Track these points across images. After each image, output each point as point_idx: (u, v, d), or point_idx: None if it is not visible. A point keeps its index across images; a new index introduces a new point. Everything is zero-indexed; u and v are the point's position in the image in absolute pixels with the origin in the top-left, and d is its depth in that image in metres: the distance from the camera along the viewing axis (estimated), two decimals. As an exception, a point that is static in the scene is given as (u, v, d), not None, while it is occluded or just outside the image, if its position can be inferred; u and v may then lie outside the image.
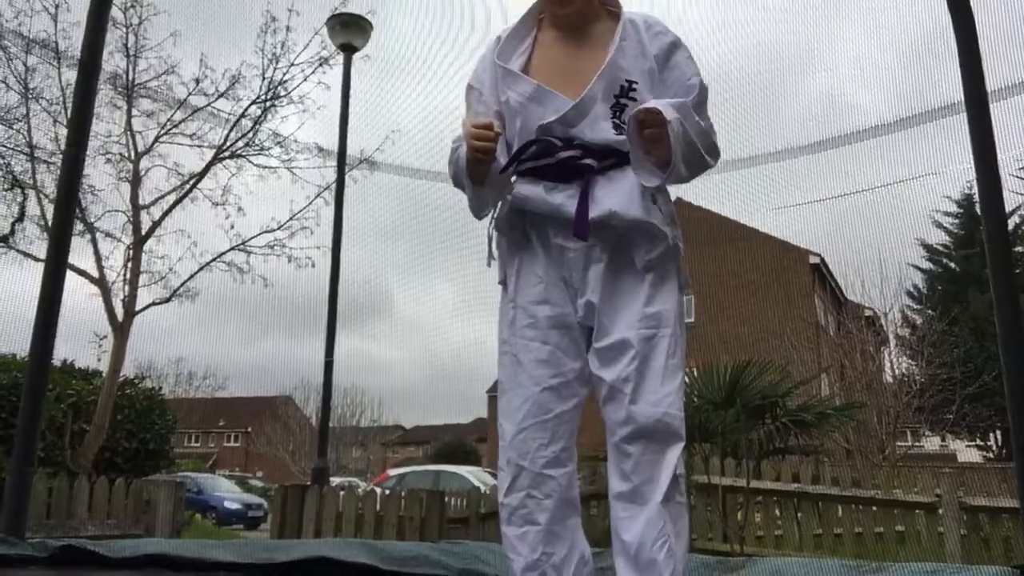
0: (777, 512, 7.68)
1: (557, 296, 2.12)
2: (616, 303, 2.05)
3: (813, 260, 27.25)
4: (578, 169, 2.07)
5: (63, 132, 11.10)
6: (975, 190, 3.53)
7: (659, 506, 1.94)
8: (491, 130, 2.03)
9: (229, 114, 11.85)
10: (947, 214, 28.97)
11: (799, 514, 7.51)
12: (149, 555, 2.23)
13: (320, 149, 11.86)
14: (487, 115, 2.16)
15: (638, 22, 2.17)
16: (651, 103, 1.99)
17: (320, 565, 2.38)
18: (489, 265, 2.23)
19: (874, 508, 7.29)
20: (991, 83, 3.35)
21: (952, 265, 29.41)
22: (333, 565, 2.39)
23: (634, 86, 2.09)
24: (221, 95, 11.75)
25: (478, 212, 2.20)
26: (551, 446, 2.09)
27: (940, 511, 6.94)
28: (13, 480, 2.57)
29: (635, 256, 2.06)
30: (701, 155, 2.08)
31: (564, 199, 2.06)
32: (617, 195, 2.04)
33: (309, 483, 8.33)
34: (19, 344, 10.27)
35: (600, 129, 2.08)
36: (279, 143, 12.02)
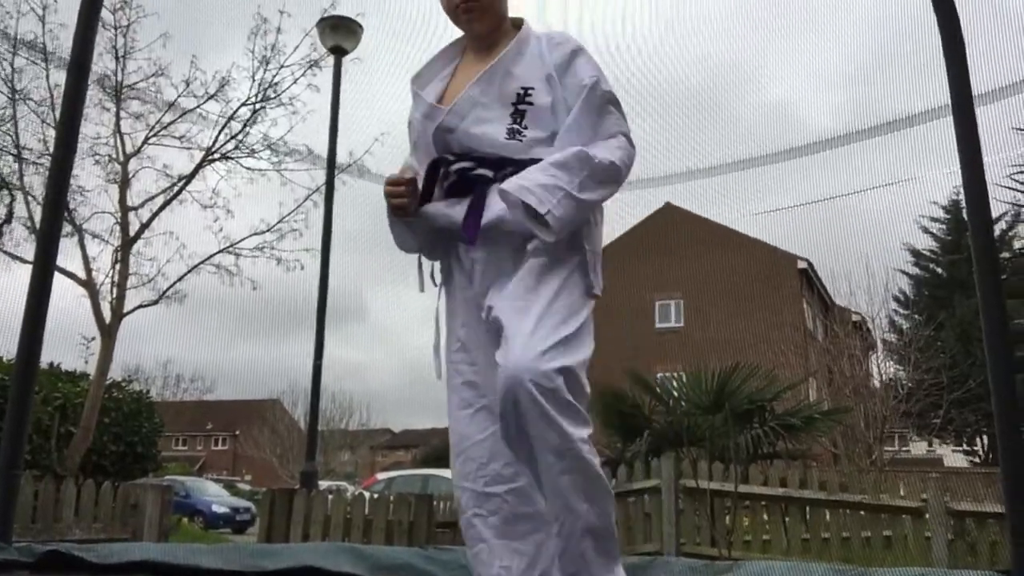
0: (765, 516, 7.71)
1: (476, 315, 2.13)
2: (505, 297, 2.04)
3: (801, 265, 27.37)
4: (475, 180, 2.11)
5: (51, 134, 11.04)
6: (962, 195, 3.55)
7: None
8: (400, 185, 2.14)
9: (219, 116, 11.84)
10: (934, 219, 29.18)
11: (786, 518, 7.53)
12: (135, 562, 2.22)
13: (309, 151, 11.85)
14: (420, 148, 2.25)
15: (541, 35, 2.22)
16: (508, 183, 2.00)
17: (307, 573, 2.37)
18: (422, 290, 2.26)
19: (861, 512, 7.32)
20: (978, 87, 3.38)
21: (939, 270, 29.59)
22: (320, 574, 2.38)
23: (530, 92, 2.11)
24: (211, 97, 11.73)
25: (400, 246, 2.28)
26: (491, 464, 2.09)
27: (927, 516, 6.97)
28: (0, 483, 2.55)
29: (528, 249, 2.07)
30: (592, 198, 2.07)
31: (462, 211, 2.11)
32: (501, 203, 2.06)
33: (297, 487, 8.31)
34: (4, 346, 10.21)
35: (489, 137, 2.11)
36: (269, 146, 12.01)
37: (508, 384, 1.87)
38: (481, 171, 2.11)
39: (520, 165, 2.05)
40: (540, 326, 1.92)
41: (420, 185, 2.18)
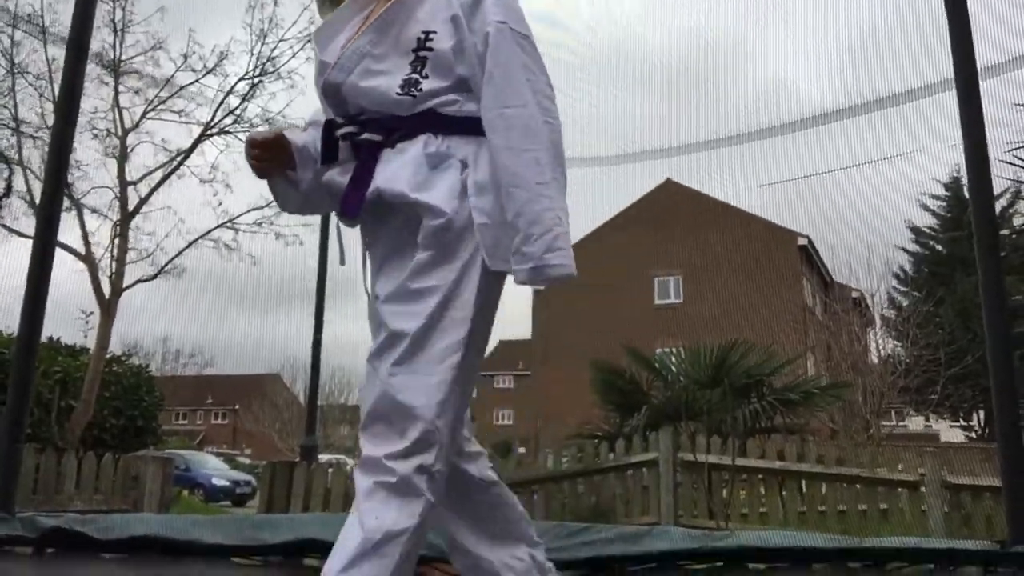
0: (762, 490, 7.76)
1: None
2: (389, 280, 1.86)
3: (801, 242, 27.34)
4: (362, 147, 1.90)
5: (49, 108, 11.00)
6: (963, 172, 3.54)
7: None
8: (256, 147, 2.00)
9: (217, 90, 11.78)
10: (935, 196, 29.09)
11: (784, 492, 7.59)
12: (137, 536, 2.23)
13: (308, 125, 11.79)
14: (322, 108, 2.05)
15: None
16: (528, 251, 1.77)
17: (308, 545, 2.39)
18: (342, 263, 2.08)
19: (858, 486, 7.37)
20: (979, 62, 3.35)
21: (939, 247, 29.57)
22: (322, 548, 2.40)
23: (431, 36, 1.88)
24: (209, 71, 11.69)
25: (282, 207, 2.19)
26: None
27: (923, 489, 7.03)
28: (3, 455, 2.57)
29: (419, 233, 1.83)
30: (542, 182, 1.80)
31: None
32: (390, 169, 1.85)
33: (297, 460, 8.36)
34: (3, 320, 10.22)
35: (378, 93, 1.89)
36: (267, 120, 11.96)
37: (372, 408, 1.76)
38: (368, 135, 1.89)
39: (410, 125, 1.85)
40: (415, 349, 1.73)
41: (315, 147, 1.98)
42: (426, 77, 1.87)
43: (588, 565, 2.53)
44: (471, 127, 1.85)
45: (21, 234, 10.89)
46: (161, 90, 11.68)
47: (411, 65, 1.87)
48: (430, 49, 1.87)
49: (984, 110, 3.36)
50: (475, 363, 1.83)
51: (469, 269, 1.80)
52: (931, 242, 29.99)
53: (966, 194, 3.67)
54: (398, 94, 1.86)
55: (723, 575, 2.38)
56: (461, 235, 1.79)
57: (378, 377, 1.74)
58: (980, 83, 3.39)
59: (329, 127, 1.96)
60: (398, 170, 1.82)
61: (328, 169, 1.97)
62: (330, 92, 1.97)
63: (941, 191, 28.75)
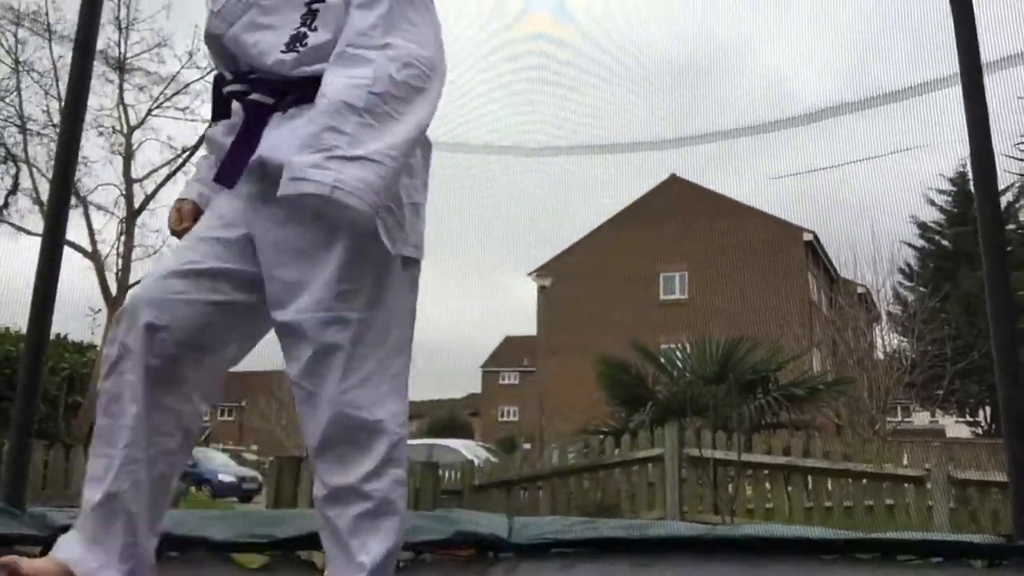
0: (767, 485, 7.77)
1: (237, 233, 1.74)
2: (288, 270, 1.64)
3: (807, 237, 27.29)
4: (251, 107, 1.69)
5: (54, 105, 11.04)
6: (968, 167, 3.54)
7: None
8: (176, 231, 1.88)
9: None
10: (940, 192, 29.04)
11: (789, 487, 7.59)
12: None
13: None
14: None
15: None
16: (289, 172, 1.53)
17: (317, 539, 2.40)
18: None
19: (864, 481, 7.37)
20: (984, 56, 3.35)
21: (944, 242, 29.51)
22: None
23: None
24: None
25: None
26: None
27: (929, 485, 7.02)
28: (13, 449, 2.59)
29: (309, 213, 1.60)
30: (391, 142, 1.57)
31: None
32: (277, 136, 1.64)
33: (304, 455, 8.38)
34: (11, 317, 10.27)
35: (261, 49, 1.68)
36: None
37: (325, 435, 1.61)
38: (258, 96, 1.68)
39: (303, 89, 1.63)
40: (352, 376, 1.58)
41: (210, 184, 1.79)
42: (315, 30, 1.66)
43: (594, 544, 2.55)
44: None
45: (28, 232, 10.94)
46: (166, 87, 11.73)
47: (301, 18, 1.67)
48: (322, 0, 1.66)
49: (989, 104, 3.36)
50: (410, 354, 1.71)
51: (384, 262, 1.63)
52: (937, 237, 29.94)
53: (972, 189, 3.67)
54: (282, 51, 1.66)
55: (732, 564, 2.39)
56: (376, 220, 1.58)
57: (320, 399, 1.59)
58: (985, 77, 3.38)
59: (217, 84, 1.78)
60: (285, 138, 1.60)
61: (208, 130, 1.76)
62: (211, 44, 1.77)
63: (947, 186, 28.72)
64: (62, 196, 3.32)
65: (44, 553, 2.35)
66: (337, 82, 1.56)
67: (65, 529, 2.29)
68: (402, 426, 1.65)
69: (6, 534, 2.20)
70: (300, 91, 1.64)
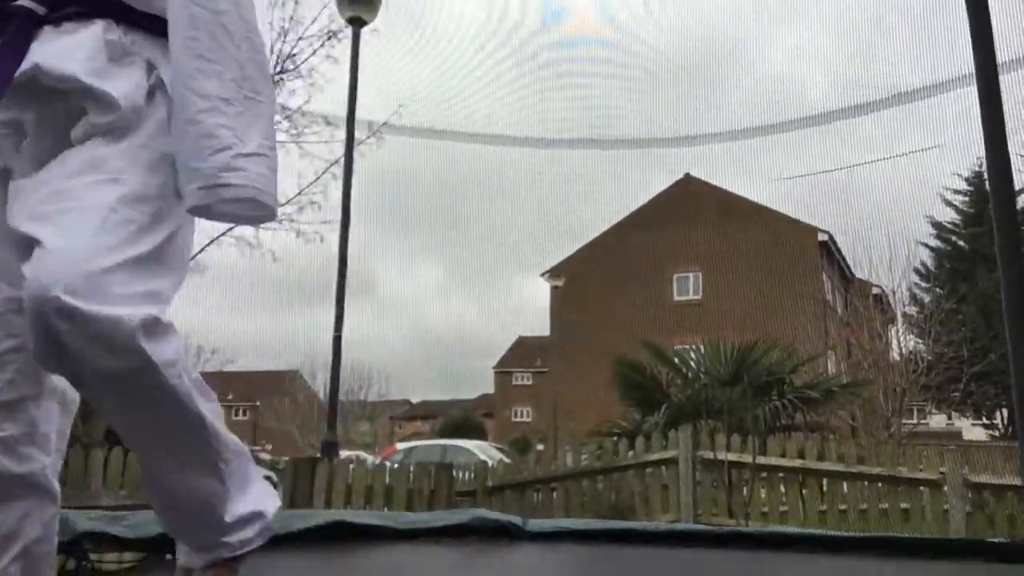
0: (782, 488, 7.74)
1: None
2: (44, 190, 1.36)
3: (821, 238, 27.20)
4: (15, 15, 1.43)
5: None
6: (984, 167, 3.53)
7: None
8: None
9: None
10: (957, 192, 28.88)
11: (804, 490, 7.56)
12: (152, 538, 2.28)
13: (327, 122, 11.88)
14: None
15: None
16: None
17: (337, 529, 2.44)
18: None
19: (879, 484, 7.34)
20: (1003, 55, 3.34)
21: (961, 243, 29.33)
22: (349, 528, 2.45)
23: None
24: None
25: None
26: None
27: (945, 488, 6.98)
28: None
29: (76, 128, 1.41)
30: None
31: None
32: (55, 47, 1.41)
33: (318, 456, 8.42)
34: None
35: None
36: (287, 117, 12.04)
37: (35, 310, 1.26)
38: (26, 2, 1.43)
39: (83, 4, 1.45)
40: (100, 234, 1.31)
41: None
42: None
43: (607, 536, 2.57)
44: (160, 29, 1.47)
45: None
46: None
47: None
48: None
49: (1005, 104, 3.35)
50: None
51: (160, 167, 1.43)
52: (953, 237, 29.75)
53: (988, 189, 3.66)
54: None
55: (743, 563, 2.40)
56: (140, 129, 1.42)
57: None
58: (1000, 77, 3.38)
59: None
60: (68, 49, 1.41)
61: None
62: None
63: (963, 186, 28.55)
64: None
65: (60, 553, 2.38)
66: (189, 66, 1.43)
67: (86, 535, 2.32)
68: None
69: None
70: (81, 6, 1.44)
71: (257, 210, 1.45)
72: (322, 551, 2.34)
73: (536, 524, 2.69)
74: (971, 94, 3.44)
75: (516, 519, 2.70)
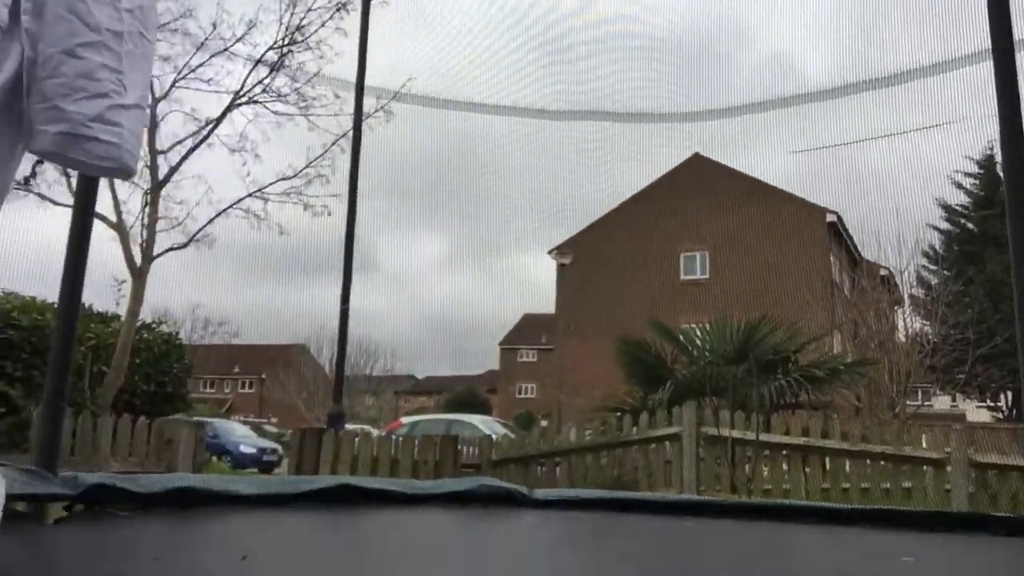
0: (785, 466, 7.77)
1: None
2: None
3: (830, 218, 27.08)
4: None
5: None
6: (996, 149, 3.51)
7: None
8: None
9: (246, 59, 11.83)
10: (967, 174, 28.70)
11: (807, 468, 7.59)
12: (180, 489, 2.31)
13: (336, 96, 11.85)
14: None
15: None
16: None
17: (343, 492, 2.46)
18: None
19: (882, 463, 7.35)
20: (1017, 33, 3.31)
21: (970, 226, 29.18)
22: (357, 492, 2.47)
23: None
24: (238, 40, 11.71)
25: None
26: None
27: (948, 468, 7.00)
28: (47, 413, 2.64)
29: None
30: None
31: None
32: None
33: (325, 427, 8.48)
34: (38, 287, 10.41)
35: None
36: (295, 89, 12.00)
37: None
38: None
39: None
40: None
41: None
42: None
43: (613, 505, 2.59)
44: None
45: (55, 202, 11.05)
46: (192, 57, 11.75)
47: None
48: None
49: (1020, 83, 3.31)
50: None
51: None
52: (962, 220, 29.60)
53: (999, 172, 3.63)
54: None
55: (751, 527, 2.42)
56: None
57: None
58: (1017, 55, 3.34)
59: None
60: None
61: None
62: None
63: (974, 168, 28.36)
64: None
65: (71, 509, 2.42)
66: None
67: (97, 487, 2.35)
68: None
69: (38, 493, 2.25)
70: None
71: (116, 169, 1.28)
72: (327, 512, 2.37)
73: (542, 492, 2.72)
74: (984, 72, 3.40)
75: (522, 488, 2.72)
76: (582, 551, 2.05)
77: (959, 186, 28.90)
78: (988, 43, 3.28)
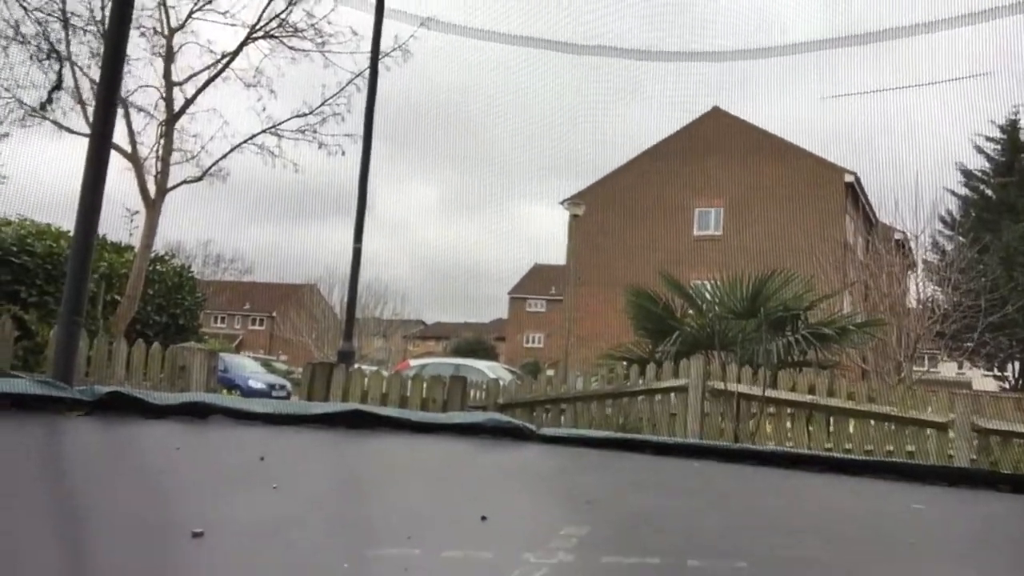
0: (788, 424, 7.81)
1: None
2: None
3: (848, 179, 26.81)
4: None
5: (97, 1, 11.00)
6: (1020, 115, 3.44)
7: None
8: None
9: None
10: (989, 139, 28.26)
11: (811, 427, 7.63)
12: (192, 403, 2.34)
13: (353, 33, 11.71)
14: None
15: None
16: None
17: (354, 416, 2.49)
18: None
19: (886, 425, 7.38)
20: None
21: (988, 192, 28.85)
22: (369, 417, 2.51)
23: None
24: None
25: None
26: None
27: (951, 433, 7.02)
28: (62, 330, 2.67)
29: None
30: None
31: None
32: None
33: (335, 362, 8.55)
34: (53, 215, 10.44)
35: None
36: (312, 24, 11.86)
37: None
38: None
39: None
40: None
41: None
42: None
43: (620, 445, 2.62)
44: None
45: (71, 131, 11.02)
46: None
47: None
48: None
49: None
50: None
51: None
52: (981, 186, 29.25)
53: (1022, 138, 3.56)
54: None
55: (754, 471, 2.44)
56: None
57: None
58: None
59: None
60: None
61: None
62: None
63: (997, 133, 27.93)
64: (109, 97, 3.35)
65: (89, 415, 2.46)
66: None
67: (111, 396, 2.39)
68: None
69: (58, 397, 2.29)
70: None
71: None
72: (338, 434, 2.40)
73: (549, 429, 2.75)
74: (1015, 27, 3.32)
75: (531, 424, 2.75)
76: (584, 481, 2.08)
77: (980, 150, 28.51)
78: None
